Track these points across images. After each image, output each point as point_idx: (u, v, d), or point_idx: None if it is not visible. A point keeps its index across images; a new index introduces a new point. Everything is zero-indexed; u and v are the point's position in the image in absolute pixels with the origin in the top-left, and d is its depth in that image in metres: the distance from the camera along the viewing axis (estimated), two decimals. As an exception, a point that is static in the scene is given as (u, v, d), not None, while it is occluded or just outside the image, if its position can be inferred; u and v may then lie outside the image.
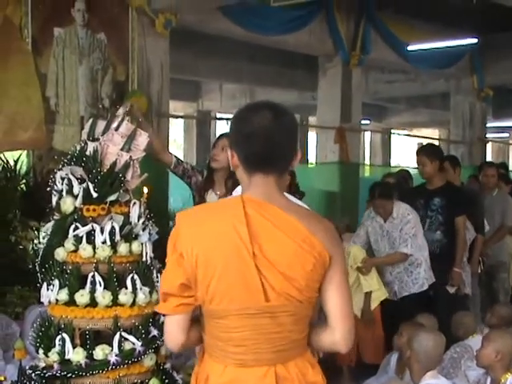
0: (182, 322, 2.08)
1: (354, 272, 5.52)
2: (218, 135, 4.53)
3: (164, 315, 2.12)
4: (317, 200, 8.18)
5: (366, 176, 11.07)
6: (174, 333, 2.10)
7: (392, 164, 16.55)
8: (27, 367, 3.34)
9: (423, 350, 3.83)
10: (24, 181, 5.63)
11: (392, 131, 18.09)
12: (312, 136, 13.96)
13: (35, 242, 3.85)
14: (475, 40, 9.02)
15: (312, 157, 12.44)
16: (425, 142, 22.43)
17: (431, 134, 19.61)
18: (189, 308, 2.08)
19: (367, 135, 18.60)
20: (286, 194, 2.24)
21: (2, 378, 3.88)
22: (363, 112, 9.38)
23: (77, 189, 3.36)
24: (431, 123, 18.19)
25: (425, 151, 5.83)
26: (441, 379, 3.83)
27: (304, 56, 9.45)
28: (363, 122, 12.45)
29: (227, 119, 10.28)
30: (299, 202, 3.09)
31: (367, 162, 17.24)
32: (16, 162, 5.66)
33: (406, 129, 19.61)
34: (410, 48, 8.89)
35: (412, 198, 5.75)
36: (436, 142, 20.76)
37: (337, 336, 2.09)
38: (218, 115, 15.54)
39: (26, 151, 5.80)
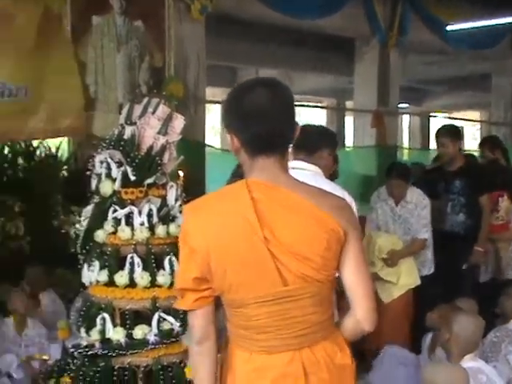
0: (207, 315, 2.03)
1: (380, 262, 5.45)
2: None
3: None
4: (354, 184, 8.13)
5: (405, 160, 10.97)
6: (204, 326, 2.03)
7: (431, 147, 16.32)
8: (70, 346, 3.44)
9: (463, 333, 3.78)
10: (65, 167, 5.75)
11: (431, 114, 17.85)
12: (349, 120, 13.88)
13: (77, 225, 3.93)
14: (515, 19, 8.84)
15: (349, 141, 12.37)
16: (465, 124, 22.13)
17: (472, 117, 19.31)
18: (208, 300, 2.01)
19: (406, 118, 18.39)
20: (296, 172, 2.18)
21: (46, 357, 4.00)
22: (402, 95, 9.26)
23: (115, 172, 3.43)
24: (472, 105, 17.87)
25: (447, 132, 5.65)
26: (480, 362, 3.80)
27: (341, 39, 9.38)
28: (402, 105, 12.29)
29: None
30: (327, 183, 3.06)
31: (406, 145, 17.05)
32: (57, 148, 5.80)
33: (445, 111, 19.32)
34: (449, 28, 8.73)
35: (432, 181, 5.61)
36: (477, 125, 20.58)
37: (358, 314, 2.03)
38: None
39: (66, 138, 5.92)
